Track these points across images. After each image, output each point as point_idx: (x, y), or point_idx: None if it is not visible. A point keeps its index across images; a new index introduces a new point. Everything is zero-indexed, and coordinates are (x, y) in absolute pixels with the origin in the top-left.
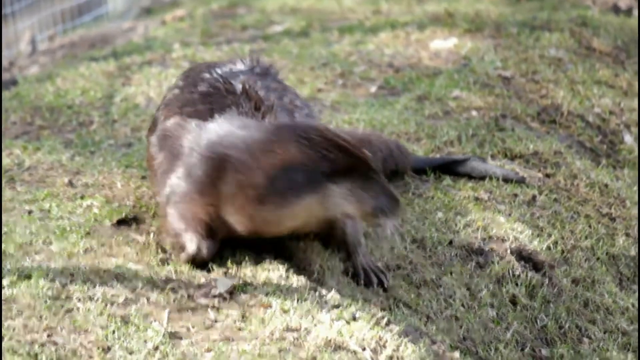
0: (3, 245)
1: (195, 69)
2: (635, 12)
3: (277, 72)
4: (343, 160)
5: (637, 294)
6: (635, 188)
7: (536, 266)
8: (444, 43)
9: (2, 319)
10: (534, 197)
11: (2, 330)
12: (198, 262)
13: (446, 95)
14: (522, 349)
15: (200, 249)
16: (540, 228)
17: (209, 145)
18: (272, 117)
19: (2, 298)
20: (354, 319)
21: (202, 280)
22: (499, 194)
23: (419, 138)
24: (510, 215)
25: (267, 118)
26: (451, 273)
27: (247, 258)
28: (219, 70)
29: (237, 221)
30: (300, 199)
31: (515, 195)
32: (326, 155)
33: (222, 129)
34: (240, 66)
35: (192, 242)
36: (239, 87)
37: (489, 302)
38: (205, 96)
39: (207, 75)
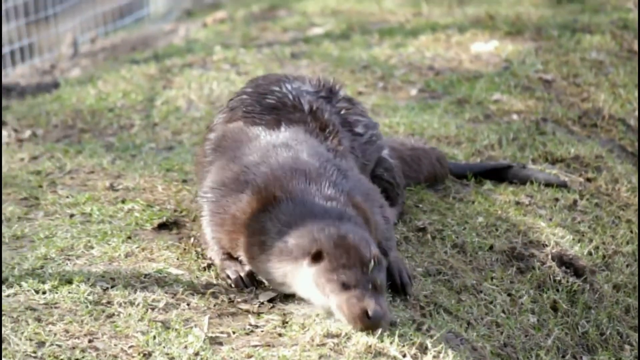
0: (45, 250)
1: (266, 80)
2: None
3: (344, 93)
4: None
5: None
6: None
7: (577, 271)
8: (484, 46)
9: (44, 324)
10: (575, 202)
11: (42, 335)
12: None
13: (487, 99)
14: (563, 356)
15: (224, 268)
16: (582, 233)
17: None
18: (336, 140)
19: (44, 302)
20: (394, 324)
21: None
22: (540, 198)
23: (459, 142)
24: (551, 219)
25: (331, 140)
26: (492, 278)
27: None
28: (288, 86)
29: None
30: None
31: (557, 199)
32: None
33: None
34: (307, 86)
35: (215, 256)
36: (306, 106)
37: (530, 308)
38: (273, 108)
39: (276, 89)
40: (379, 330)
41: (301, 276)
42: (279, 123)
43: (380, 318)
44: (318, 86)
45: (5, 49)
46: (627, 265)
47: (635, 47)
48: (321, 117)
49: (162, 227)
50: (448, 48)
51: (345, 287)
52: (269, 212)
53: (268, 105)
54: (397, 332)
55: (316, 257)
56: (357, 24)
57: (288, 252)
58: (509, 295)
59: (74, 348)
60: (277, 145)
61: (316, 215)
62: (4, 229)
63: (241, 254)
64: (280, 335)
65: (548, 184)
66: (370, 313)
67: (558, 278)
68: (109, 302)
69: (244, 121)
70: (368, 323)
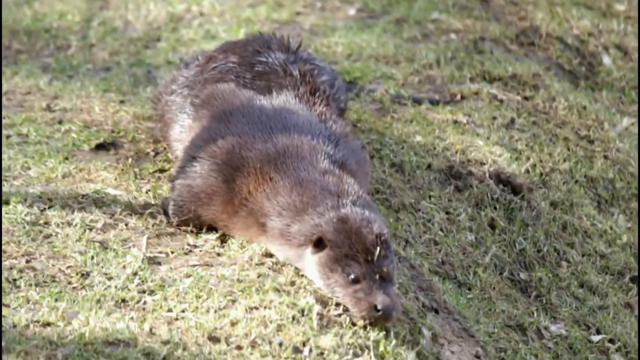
0: None
1: (246, 50)
2: None
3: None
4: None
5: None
6: (614, 110)
7: (515, 189)
8: None
9: None
10: (512, 120)
11: None
12: None
13: (425, 18)
14: (501, 273)
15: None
16: (519, 151)
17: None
18: (325, 102)
19: None
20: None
21: None
22: (478, 117)
23: (398, 61)
24: (488, 138)
25: (320, 104)
26: (430, 197)
27: None
28: (273, 55)
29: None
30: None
31: (494, 118)
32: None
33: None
34: (276, 52)
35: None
36: (296, 72)
37: (468, 226)
38: (264, 74)
39: (263, 59)
40: (390, 322)
41: (305, 262)
42: (270, 89)
43: (390, 311)
44: (282, 48)
45: None
46: (564, 183)
47: None
48: (310, 81)
49: (100, 147)
50: None
51: (350, 280)
52: (265, 193)
53: (258, 72)
54: None
55: (318, 244)
56: None
57: (290, 237)
58: (447, 213)
59: (11, 268)
60: (270, 116)
61: (315, 196)
62: None
63: (234, 232)
64: (219, 254)
65: None
66: (379, 306)
67: (496, 196)
68: (46, 223)
69: (236, 84)
70: (377, 317)
